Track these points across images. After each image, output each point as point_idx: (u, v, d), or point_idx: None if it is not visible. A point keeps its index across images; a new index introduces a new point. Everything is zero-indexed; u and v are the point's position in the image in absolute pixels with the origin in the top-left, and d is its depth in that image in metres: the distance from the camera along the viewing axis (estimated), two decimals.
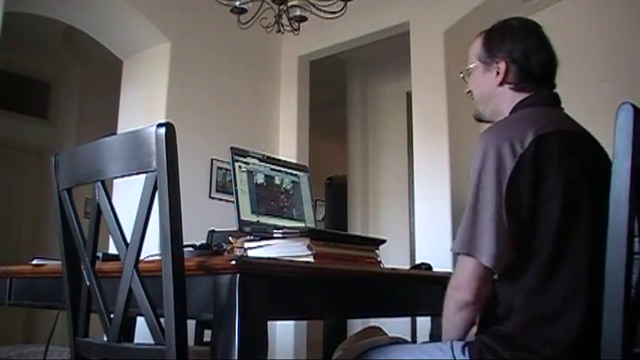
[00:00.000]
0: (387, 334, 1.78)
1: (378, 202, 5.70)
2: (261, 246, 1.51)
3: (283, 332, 4.45)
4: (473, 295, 1.28)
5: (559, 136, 1.32)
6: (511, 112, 1.46)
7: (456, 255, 1.32)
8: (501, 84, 1.48)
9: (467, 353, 1.28)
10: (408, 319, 4.37)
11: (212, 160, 4.38)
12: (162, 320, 1.08)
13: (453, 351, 1.30)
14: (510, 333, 1.25)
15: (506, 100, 1.48)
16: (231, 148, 1.86)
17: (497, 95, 1.50)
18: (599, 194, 1.30)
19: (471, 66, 1.55)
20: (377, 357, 1.42)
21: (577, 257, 1.27)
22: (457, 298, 1.30)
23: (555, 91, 1.50)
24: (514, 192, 1.25)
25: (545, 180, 1.27)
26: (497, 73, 1.48)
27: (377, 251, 1.68)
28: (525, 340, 1.23)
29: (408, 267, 2.38)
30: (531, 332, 1.24)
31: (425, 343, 1.55)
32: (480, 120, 1.60)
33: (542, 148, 1.28)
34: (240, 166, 1.85)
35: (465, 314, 1.30)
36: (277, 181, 1.96)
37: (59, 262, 1.38)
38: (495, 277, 1.30)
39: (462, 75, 1.60)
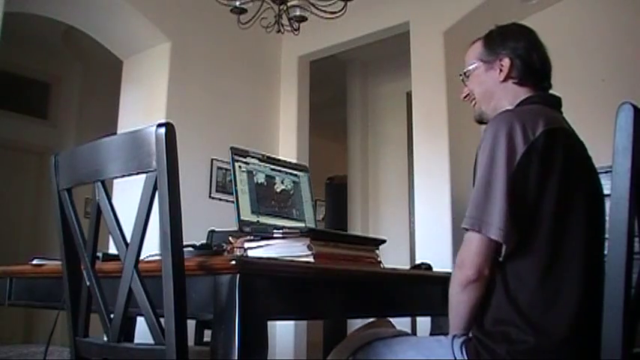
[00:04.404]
0: (394, 327, 1.78)
1: (378, 202, 5.70)
2: (261, 246, 1.51)
3: (283, 332, 4.45)
4: (475, 272, 1.28)
5: (564, 133, 1.38)
6: (515, 107, 1.49)
7: (465, 232, 1.33)
8: (505, 80, 1.52)
9: (464, 352, 1.28)
10: (408, 319, 4.36)
11: (212, 160, 4.38)
12: (162, 320, 1.08)
13: (452, 348, 1.30)
14: (507, 326, 1.26)
15: (509, 95, 1.52)
16: (231, 148, 1.86)
17: (500, 91, 1.54)
18: (595, 193, 1.39)
19: (471, 67, 1.59)
20: (381, 348, 1.43)
21: (573, 251, 1.29)
22: (460, 276, 1.31)
23: (558, 94, 1.53)
24: (522, 176, 1.28)
25: (551, 173, 1.29)
26: (501, 70, 1.53)
27: (377, 251, 1.68)
28: (522, 332, 1.23)
29: (408, 267, 2.38)
30: (528, 322, 1.24)
31: (427, 337, 1.55)
32: (481, 122, 1.61)
33: (552, 142, 1.31)
34: (240, 166, 1.85)
35: (469, 292, 1.30)
36: (277, 181, 1.96)
37: (59, 262, 1.38)
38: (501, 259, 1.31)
39: (461, 78, 1.63)
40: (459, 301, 1.32)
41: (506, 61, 1.51)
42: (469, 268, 1.29)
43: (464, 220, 1.32)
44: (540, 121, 1.32)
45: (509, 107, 1.50)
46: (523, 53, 1.51)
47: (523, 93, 1.50)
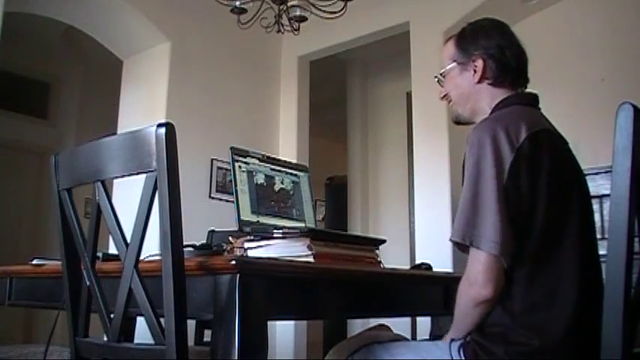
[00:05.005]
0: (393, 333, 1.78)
1: (378, 202, 5.70)
2: (261, 246, 1.51)
3: (283, 332, 4.45)
4: (492, 290, 1.24)
5: (548, 135, 1.36)
6: (494, 110, 1.47)
7: (455, 246, 1.31)
8: (480, 81, 1.49)
9: (462, 354, 1.28)
10: (408, 319, 4.37)
11: (212, 160, 4.38)
12: (162, 320, 1.08)
13: (450, 350, 1.30)
14: (503, 328, 1.25)
15: (486, 97, 1.50)
16: (231, 148, 1.86)
17: (476, 93, 1.51)
18: (583, 191, 1.39)
19: (447, 68, 1.57)
20: (379, 350, 1.43)
21: (568, 251, 1.29)
22: (473, 294, 1.26)
23: (534, 91, 1.52)
24: (514, 185, 1.26)
25: (540, 176, 1.28)
26: (475, 71, 1.50)
27: (377, 251, 1.68)
28: (518, 334, 1.23)
29: (408, 267, 2.38)
30: (523, 325, 1.24)
31: (423, 340, 1.55)
32: (458, 122, 1.60)
33: (537, 145, 1.30)
34: (240, 166, 1.85)
35: (483, 309, 1.27)
36: (277, 181, 1.96)
37: (59, 262, 1.38)
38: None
39: (436, 79, 1.61)
40: (469, 315, 1.29)
41: (479, 63, 1.48)
42: (484, 286, 1.24)
43: (452, 232, 1.29)
44: (523, 125, 1.31)
45: (488, 108, 1.48)
46: (496, 52, 1.47)
47: (500, 94, 1.48)
